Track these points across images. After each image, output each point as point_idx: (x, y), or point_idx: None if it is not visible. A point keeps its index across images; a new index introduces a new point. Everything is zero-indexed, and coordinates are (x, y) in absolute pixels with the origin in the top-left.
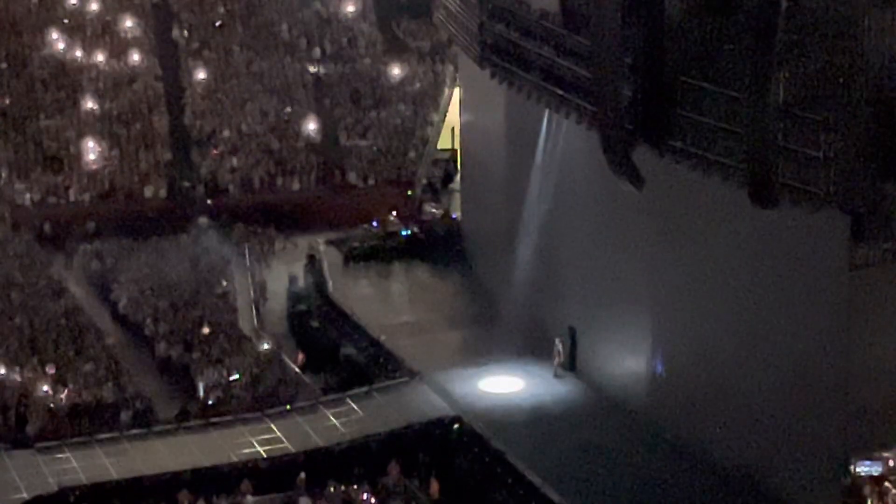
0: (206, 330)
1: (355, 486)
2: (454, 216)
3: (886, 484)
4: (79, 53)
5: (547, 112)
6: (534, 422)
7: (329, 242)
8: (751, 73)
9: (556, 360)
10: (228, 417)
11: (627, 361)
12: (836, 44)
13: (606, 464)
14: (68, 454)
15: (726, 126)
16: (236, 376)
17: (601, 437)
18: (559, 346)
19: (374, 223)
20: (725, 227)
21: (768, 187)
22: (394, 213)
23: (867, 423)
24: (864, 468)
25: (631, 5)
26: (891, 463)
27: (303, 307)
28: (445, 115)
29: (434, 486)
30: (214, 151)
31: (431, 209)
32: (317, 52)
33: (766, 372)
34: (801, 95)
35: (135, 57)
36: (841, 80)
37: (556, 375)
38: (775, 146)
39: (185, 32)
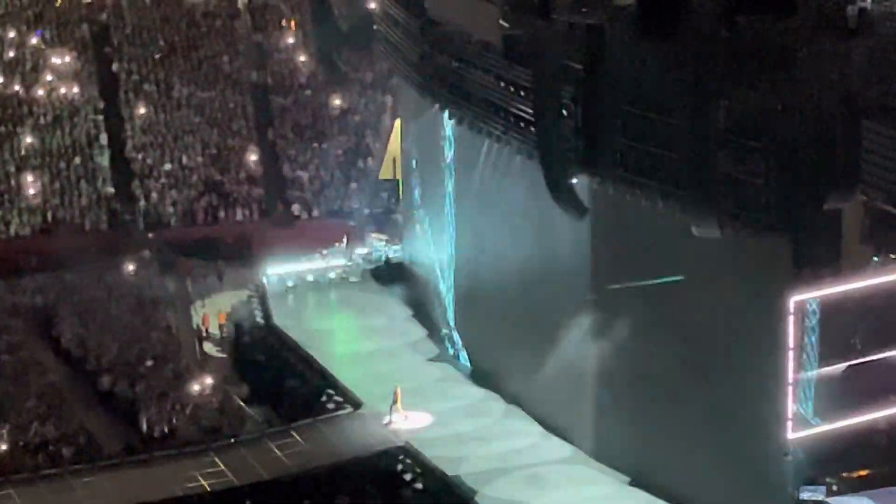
0: (149, 363)
1: None
2: (397, 245)
3: None
4: (18, 87)
5: (486, 142)
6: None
7: (272, 274)
8: (691, 102)
9: (392, 405)
10: (173, 451)
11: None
12: (773, 72)
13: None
14: (10, 491)
15: (667, 154)
16: None
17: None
18: (397, 392)
19: (318, 254)
20: (670, 253)
21: (710, 213)
22: (338, 242)
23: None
24: (807, 494)
25: (570, 36)
26: (834, 488)
27: (246, 339)
28: (387, 146)
29: None
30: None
31: (375, 239)
32: (258, 83)
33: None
34: (740, 123)
35: (75, 90)
36: (779, 107)
37: (389, 423)
38: (716, 173)
39: (126, 65)
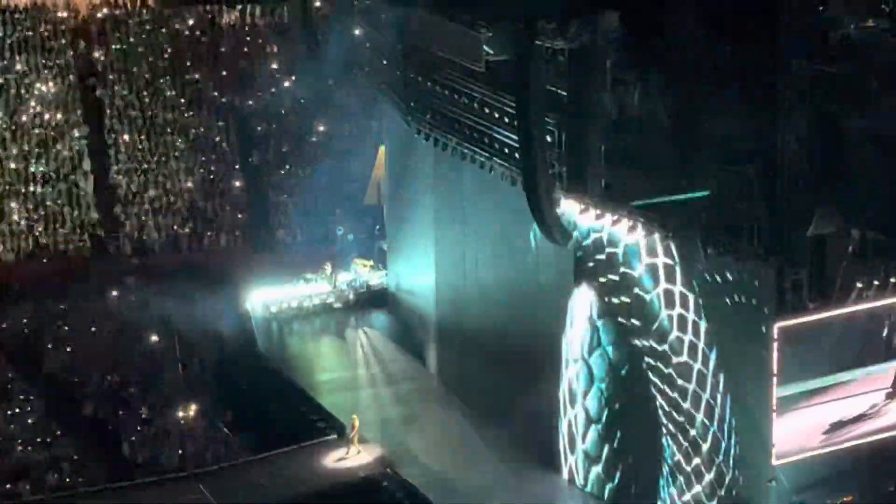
0: (132, 390)
1: None
2: (381, 271)
3: None
4: (1, 113)
5: (470, 168)
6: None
7: (256, 300)
8: (675, 127)
9: (349, 437)
10: (157, 477)
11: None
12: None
13: None
14: None
15: (652, 179)
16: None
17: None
18: (354, 423)
19: (302, 280)
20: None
21: (695, 240)
22: (322, 269)
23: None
24: None
25: (555, 62)
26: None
27: (230, 365)
28: (372, 172)
29: None
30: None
31: (359, 264)
32: (242, 109)
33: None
34: (725, 148)
35: (59, 116)
36: (763, 133)
37: (346, 455)
38: (701, 199)
39: (110, 91)
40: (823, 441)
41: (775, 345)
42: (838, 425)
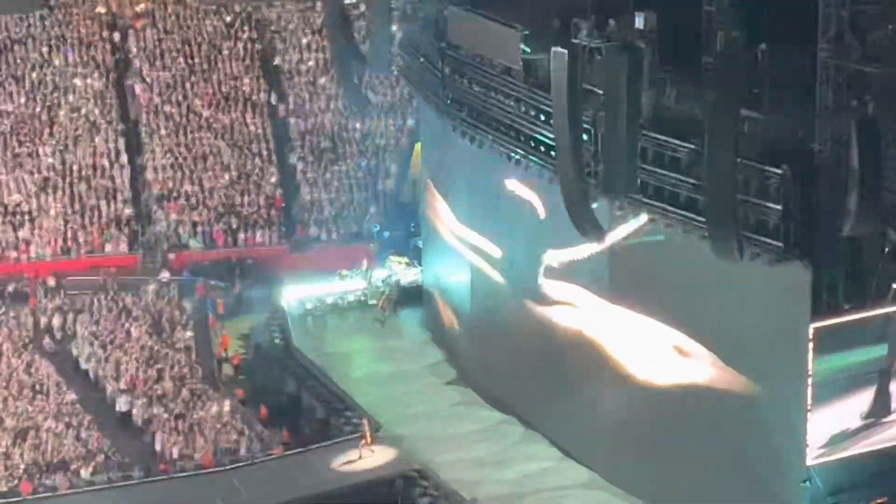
0: (167, 384)
1: None
2: (416, 268)
3: None
4: (39, 108)
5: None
6: (498, 473)
7: (291, 296)
8: (711, 127)
9: (363, 442)
10: (190, 472)
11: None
12: (793, 99)
13: None
14: None
15: (687, 179)
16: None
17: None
18: (366, 426)
19: (337, 277)
20: (688, 278)
21: (730, 239)
22: (358, 265)
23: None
24: None
25: (591, 61)
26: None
27: (265, 361)
28: (408, 169)
29: None
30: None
31: (395, 261)
32: (278, 106)
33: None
34: (760, 149)
35: (96, 111)
36: (800, 134)
37: (359, 457)
38: (736, 199)
39: (147, 86)
40: (857, 442)
41: (810, 345)
42: (873, 426)
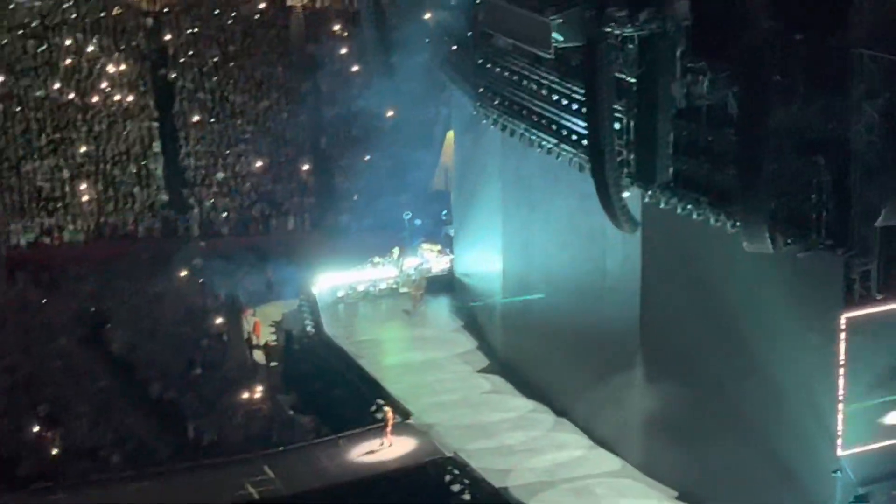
0: (199, 371)
1: None
2: (448, 256)
3: None
4: (73, 94)
5: (538, 154)
6: (529, 461)
7: (323, 284)
8: (745, 116)
9: (386, 431)
10: (221, 459)
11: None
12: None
13: None
14: (61, 496)
15: (720, 168)
16: None
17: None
18: (389, 414)
19: (369, 264)
20: (721, 267)
21: (763, 229)
22: (389, 253)
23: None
24: None
25: (624, 50)
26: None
27: (296, 348)
28: (440, 157)
29: None
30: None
31: (426, 249)
32: (311, 93)
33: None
34: (795, 138)
35: (130, 98)
36: (835, 123)
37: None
38: (769, 188)
39: (181, 73)
40: (889, 433)
41: (842, 336)
42: None
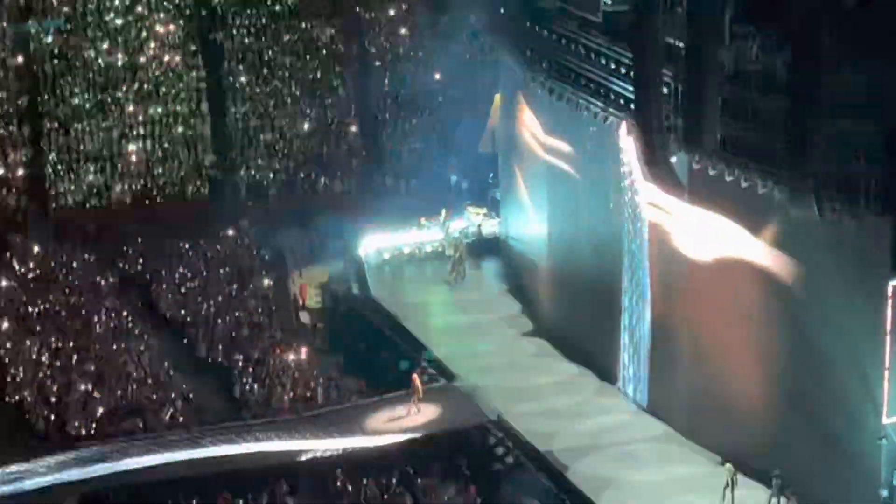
0: (245, 332)
1: (393, 488)
2: (494, 219)
3: None
4: (122, 55)
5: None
6: (574, 425)
7: (369, 246)
8: (793, 82)
9: (414, 397)
10: (267, 419)
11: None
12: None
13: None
14: (110, 453)
15: (768, 133)
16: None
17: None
18: (416, 382)
19: (415, 227)
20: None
21: (810, 194)
22: (436, 216)
23: None
24: None
25: (672, 15)
26: None
27: (342, 310)
28: (487, 120)
29: (472, 491)
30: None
31: (473, 212)
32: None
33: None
34: (843, 104)
35: (178, 59)
36: (885, 90)
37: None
38: (817, 154)
39: (229, 35)
40: None
41: (889, 303)
42: None
